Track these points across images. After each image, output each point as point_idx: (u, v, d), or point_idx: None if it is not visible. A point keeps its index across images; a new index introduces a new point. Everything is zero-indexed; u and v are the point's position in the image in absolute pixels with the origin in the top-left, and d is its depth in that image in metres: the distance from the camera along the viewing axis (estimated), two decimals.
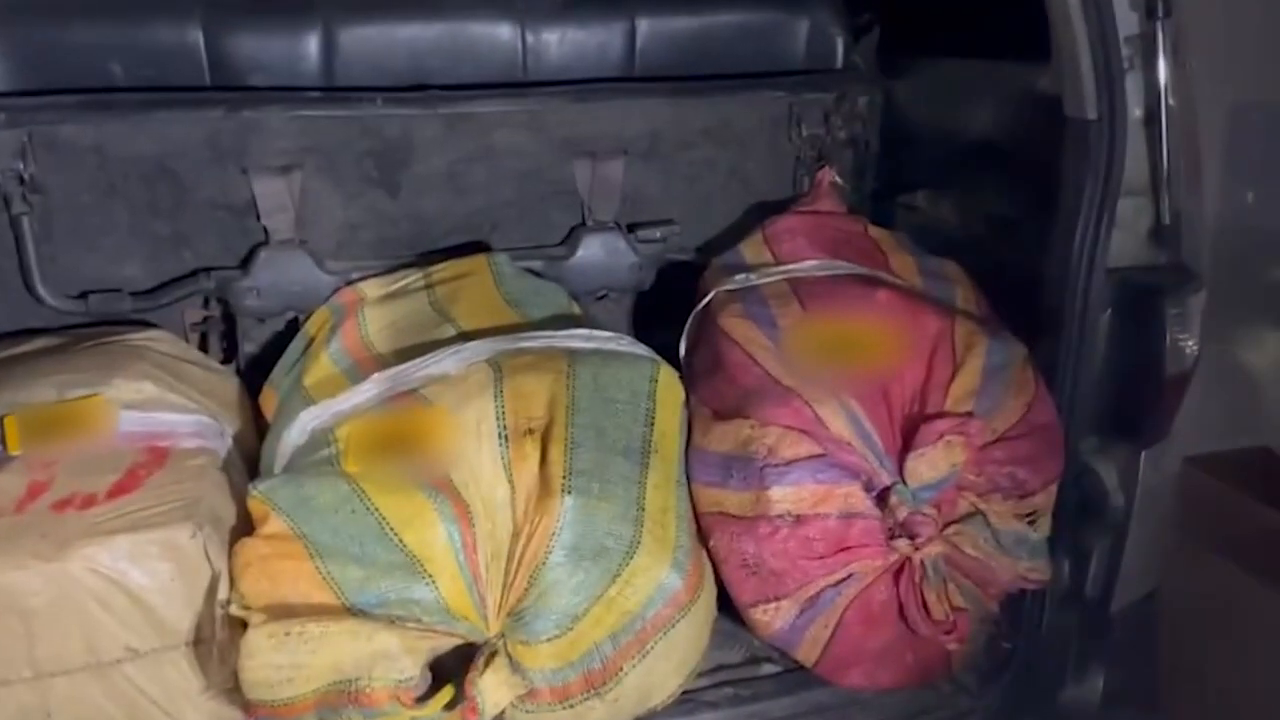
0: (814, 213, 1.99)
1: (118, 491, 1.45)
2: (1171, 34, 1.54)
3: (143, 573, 1.38)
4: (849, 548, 1.49)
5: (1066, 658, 1.70)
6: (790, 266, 1.85)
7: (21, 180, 1.75)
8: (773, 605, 1.51)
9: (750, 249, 1.94)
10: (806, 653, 1.56)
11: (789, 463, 1.50)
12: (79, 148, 1.78)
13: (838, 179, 2.07)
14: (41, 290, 1.84)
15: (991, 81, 1.92)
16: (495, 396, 1.51)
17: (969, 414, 1.54)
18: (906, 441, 1.53)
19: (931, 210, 2.08)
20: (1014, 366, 1.61)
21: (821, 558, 1.49)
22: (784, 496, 1.49)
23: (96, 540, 1.37)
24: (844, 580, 1.51)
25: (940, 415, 1.54)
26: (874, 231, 1.97)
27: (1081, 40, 1.54)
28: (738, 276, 1.85)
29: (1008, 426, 1.56)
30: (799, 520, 1.48)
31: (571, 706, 1.44)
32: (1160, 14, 1.52)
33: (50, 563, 1.34)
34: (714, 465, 1.57)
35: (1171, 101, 1.55)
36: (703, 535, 1.56)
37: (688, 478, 1.59)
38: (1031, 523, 1.55)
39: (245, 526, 1.47)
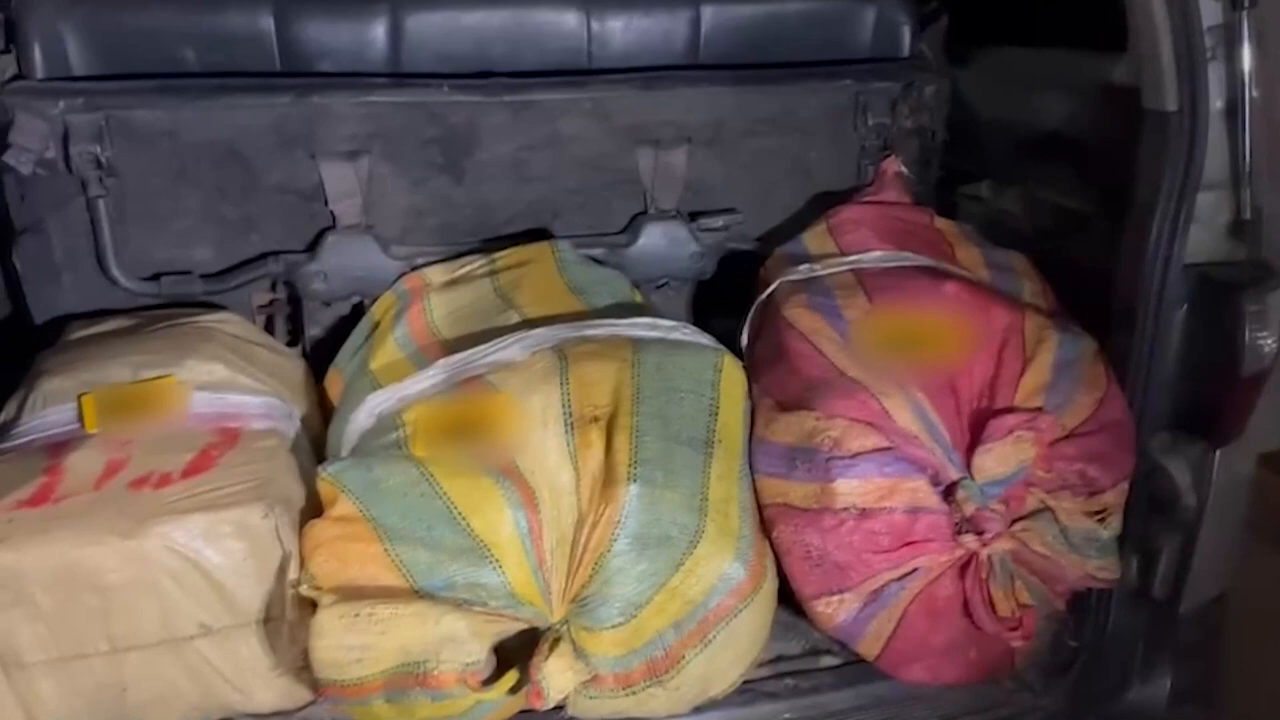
0: (879, 203, 1.97)
1: (192, 471, 1.48)
2: (1255, 24, 1.50)
3: (216, 551, 1.41)
4: (914, 542, 1.48)
5: (1133, 658, 1.67)
6: (855, 257, 1.83)
7: (98, 163, 1.78)
8: (836, 598, 1.51)
9: (814, 239, 1.92)
10: (868, 646, 1.55)
11: (854, 455, 1.49)
12: (153, 132, 1.80)
13: (903, 169, 2.04)
14: (116, 272, 1.87)
15: (1063, 71, 1.89)
16: (561, 384, 1.51)
17: (1039, 409, 1.52)
18: (974, 436, 1.52)
19: (998, 202, 2.05)
20: (1085, 361, 1.58)
21: (886, 552, 1.48)
22: (849, 489, 1.47)
23: (172, 519, 1.40)
24: (909, 575, 1.49)
25: (1010, 410, 1.52)
26: (940, 223, 1.94)
27: (1163, 30, 1.50)
28: (801, 267, 1.84)
29: (1078, 422, 1.54)
30: (864, 514, 1.47)
31: (633, 694, 1.45)
32: (1245, 4, 1.48)
33: (128, 540, 1.38)
34: (777, 456, 1.56)
35: (1254, 92, 1.51)
36: (765, 526, 1.56)
37: (751, 468, 1.59)
38: (1101, 520, 1.52)
39: (314, 508, 1.49)
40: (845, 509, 1.48)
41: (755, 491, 1.58)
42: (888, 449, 1.49)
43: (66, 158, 1.77)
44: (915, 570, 1.49)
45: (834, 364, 1.60)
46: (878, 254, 1.83)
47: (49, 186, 1.81)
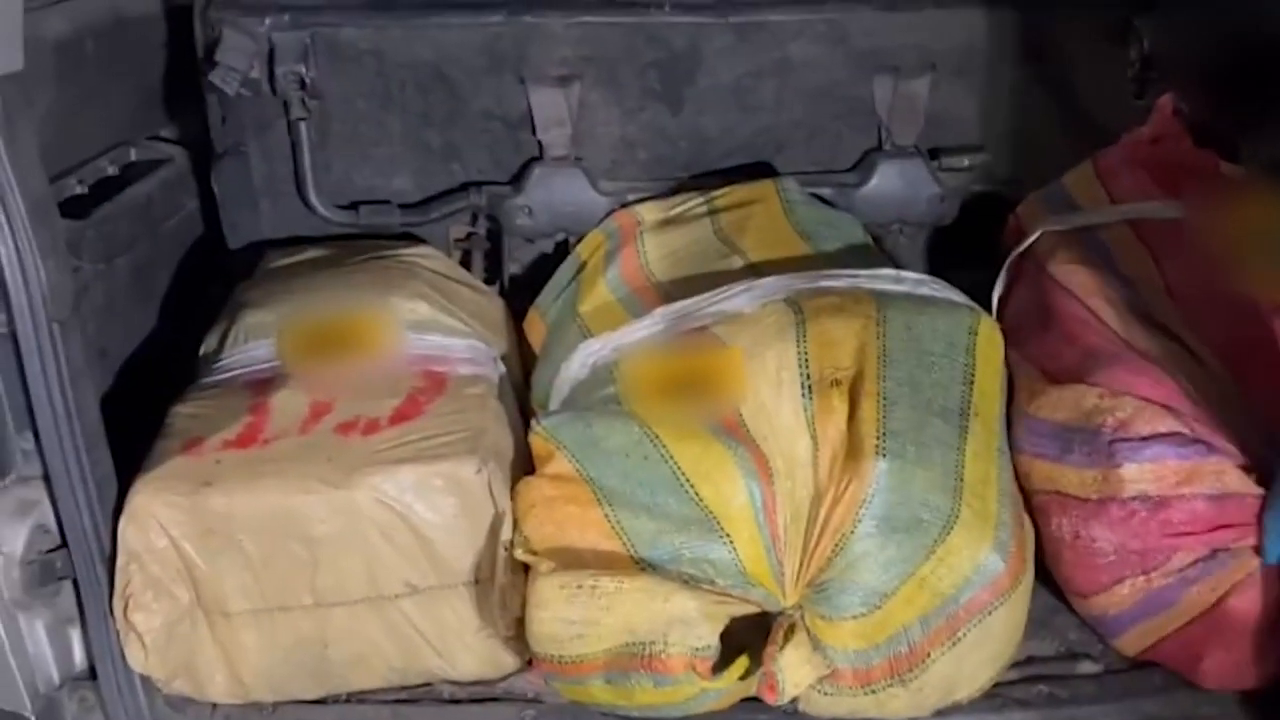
0: (1154, 144, 1.72)
1: (399, 418, 1.40)
2: None
3: (427, 506, 1.33)
4: (1219, 529, 1.27)
5: None
6: (1130, 206, 1.61)
7: (302, 84, 1.73)
8: (1122, 585, 1.32)
9: (1078, 183, 1.71)
10: (1133, 643, 1.37)
11: (1145, 439, 1.29)
12: (358, 51, 1.75)
13: (1183, 106, 1.78)
14: (314, 199, 1.82)
15: None
16: (798, 341, 1.36)
17: None
18: None
19: None
20: None
21: (1186, 543, 1.28)
22: (1140, 475, 1.29)
23: (382, 469, 1.32)
24: (1206, 567, 1.29)
25: None
26: (1227, 168, 1.69)
27: None
28: (1064, 215, 1.63)
29: None
30: (1159, 502, 1.28)
31: (873, 692, 1.31)
32: None
33: (337, 489, 1.31)
34: (1046, 435, 1.39)
35: None
36: (1032, 514, 1.39)
37: (1010, 447, 1.41)
38: None
39: (525, 463, 1.39)
40: (1135, 498, 1.28)
41: (1016, 473, 1.40)
42: (1184, 433, 1.29)
43: (271, 77, 1.72)
44: (1214, 561, 1.29)
45: (1117, 333, 1.41)
46: (1156, 204, 1.60)
47: (251, 108, 1.77)
